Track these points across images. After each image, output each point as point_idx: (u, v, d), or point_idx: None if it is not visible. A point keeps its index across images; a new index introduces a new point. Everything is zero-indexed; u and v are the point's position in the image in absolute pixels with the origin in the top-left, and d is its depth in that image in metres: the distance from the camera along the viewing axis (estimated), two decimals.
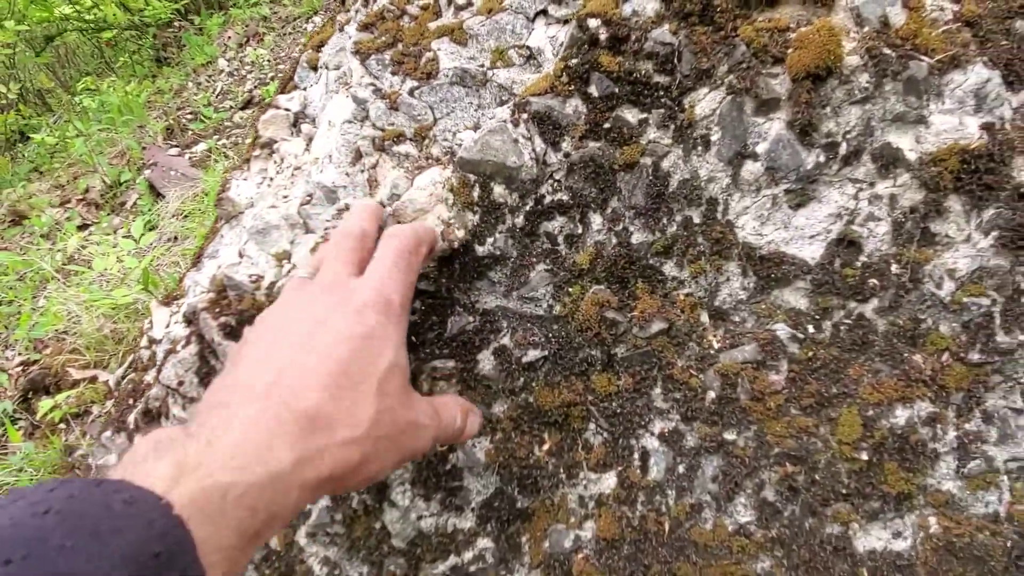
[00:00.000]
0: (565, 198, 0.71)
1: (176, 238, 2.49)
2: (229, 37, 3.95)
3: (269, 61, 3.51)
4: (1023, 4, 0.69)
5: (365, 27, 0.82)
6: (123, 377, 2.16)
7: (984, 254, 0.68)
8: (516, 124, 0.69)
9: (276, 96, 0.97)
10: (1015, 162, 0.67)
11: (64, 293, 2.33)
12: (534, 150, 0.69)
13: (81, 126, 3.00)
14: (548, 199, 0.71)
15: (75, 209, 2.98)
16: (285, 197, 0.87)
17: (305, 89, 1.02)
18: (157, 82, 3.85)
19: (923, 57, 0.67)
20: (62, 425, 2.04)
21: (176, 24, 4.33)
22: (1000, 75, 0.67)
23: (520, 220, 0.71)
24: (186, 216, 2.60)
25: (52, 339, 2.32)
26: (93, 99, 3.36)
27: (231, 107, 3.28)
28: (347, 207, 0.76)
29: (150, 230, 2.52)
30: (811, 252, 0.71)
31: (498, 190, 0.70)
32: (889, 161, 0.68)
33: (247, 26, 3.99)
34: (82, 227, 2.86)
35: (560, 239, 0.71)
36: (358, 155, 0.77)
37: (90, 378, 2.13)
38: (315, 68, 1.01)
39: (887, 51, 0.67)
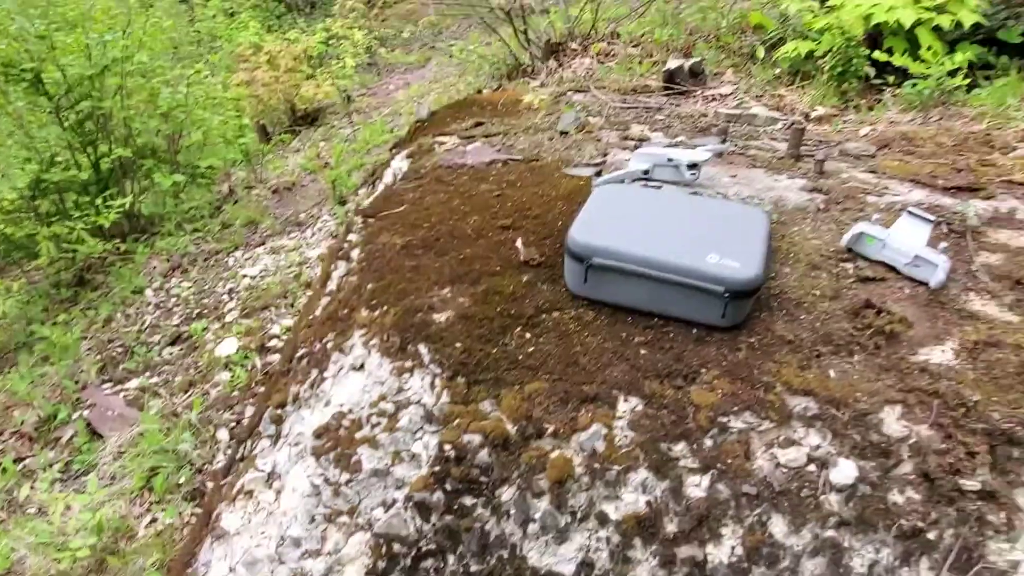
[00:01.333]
0: (433, 547, 1.29)
1: (115, 477, 2.87)
2: (154, 267, 4.45)
3: (194, 295, 4.02)
4: (680, 433, 1.37)
5: (318, 435, 1.41)
6: None
7: (654, 570, 1.31)
8: (406, 510, 1.28)
9: (255, 459, 1.52)
10: (663, 521, 1.31)
11: (9, 534, 2.64)
12: (416, 524, 1.28)
13: (23, 370, 3.38)
14: (424, 548, 1.28)
15: (9, 442, 3.29)
16: (263, 533, 1.40)
17: (269, 437, 1.58)
18: (79, 306, 4.25)
19: (615, 468, 1.32)
20: None
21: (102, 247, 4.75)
22: (654, 474, 1.33)
23: (408, 561, 1.28)
24: (122, 454, 2.99)
25: None
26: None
27: (160, 340, 3.74)
28: (307, 551, 1.31)
29: (91, 468, 2.89)
30: (569, 569, 1.31)
31: (396, 547, 1.27)
32: (603, 519, 1.31)
33: (170, 257, 4.51)
34: (17, 460, 3.17)
35: (432, 571, 1.29)
36: (313, 519, 1.33)
37: None
38: (276, 421, 1.58)
39: (596, 465, 1.31)
